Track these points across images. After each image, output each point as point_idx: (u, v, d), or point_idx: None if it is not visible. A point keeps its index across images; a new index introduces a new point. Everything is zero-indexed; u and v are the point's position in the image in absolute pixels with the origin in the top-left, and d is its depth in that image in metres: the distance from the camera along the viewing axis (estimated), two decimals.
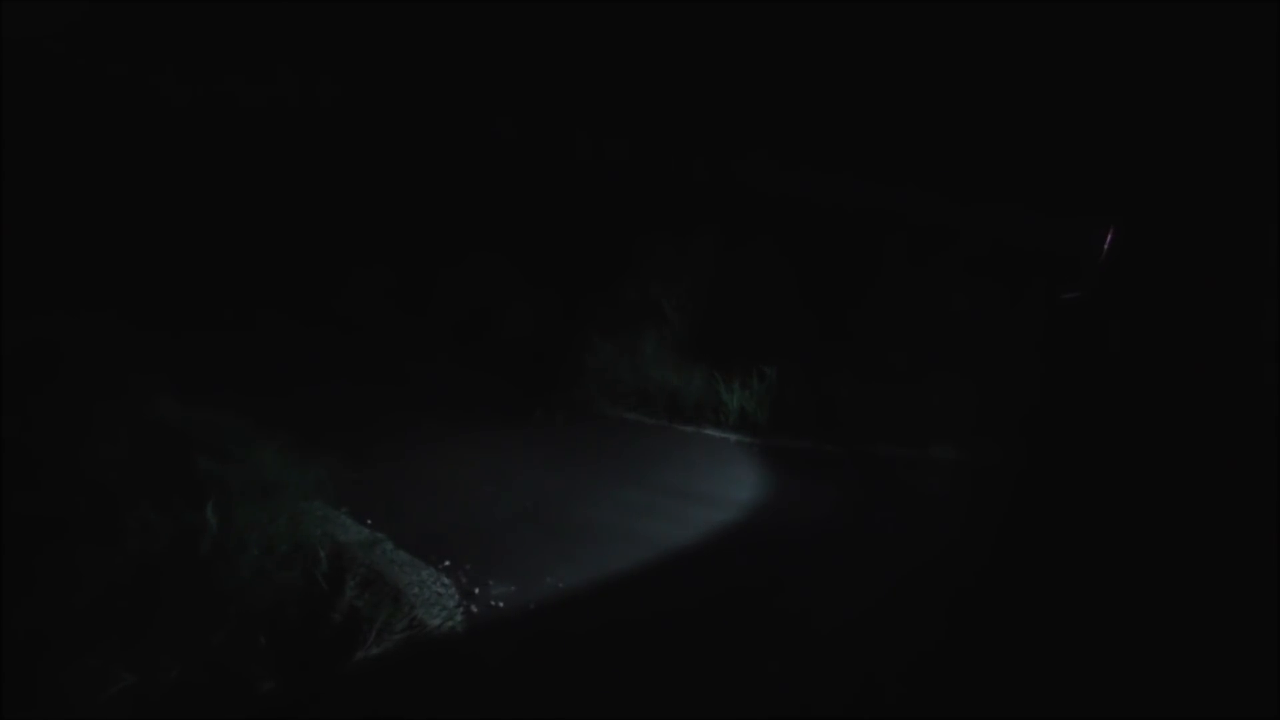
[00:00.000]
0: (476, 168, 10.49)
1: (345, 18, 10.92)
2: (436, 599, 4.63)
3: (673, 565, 5.32)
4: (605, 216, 9.90)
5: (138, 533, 4.24)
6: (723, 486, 6.65)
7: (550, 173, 10.48)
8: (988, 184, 9.67)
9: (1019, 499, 6.12)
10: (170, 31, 10.28)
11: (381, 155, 10.43)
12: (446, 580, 4.82)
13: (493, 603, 4.66)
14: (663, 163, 10.66)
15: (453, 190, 10.25)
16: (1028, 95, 9.46)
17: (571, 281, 9.24)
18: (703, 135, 10.64)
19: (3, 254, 6.83)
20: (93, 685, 3.52)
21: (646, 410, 8.18)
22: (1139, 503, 5.49)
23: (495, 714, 3.83)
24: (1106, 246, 8.58)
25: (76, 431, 4.89)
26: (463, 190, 10.25)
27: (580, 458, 6.98)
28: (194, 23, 10.44)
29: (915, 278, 9.13)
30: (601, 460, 6.99)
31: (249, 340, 8.31)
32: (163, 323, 7.50)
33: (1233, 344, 6.48)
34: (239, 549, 4.35)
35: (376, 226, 9.80)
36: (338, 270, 9.33)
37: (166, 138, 9.67)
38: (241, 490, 4.75)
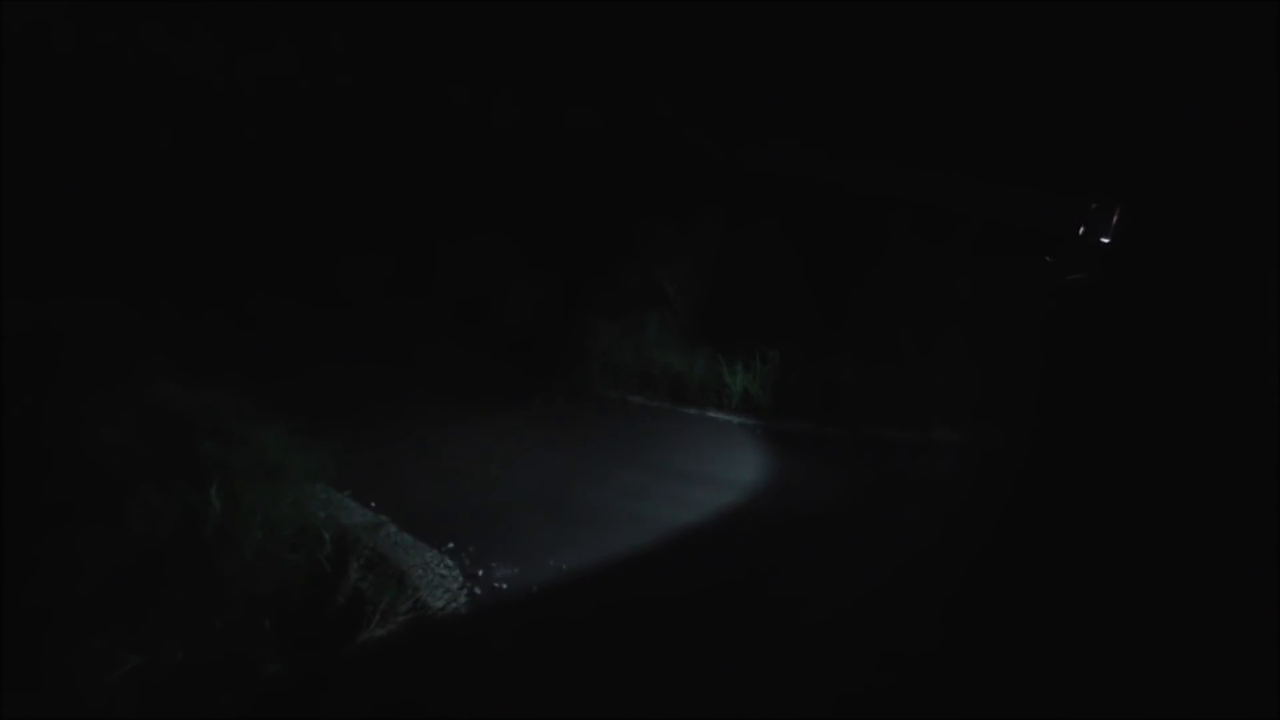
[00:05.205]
0: (478, 149, 10.44)
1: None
2: (440, 581, 4.65)
3: (675, 548, 5.33)
4: (608, 198, 9.86)
5: (142, 516, 4.24)
6: (726, 469, 6.66)
7: (553, 155, 10.42)
8: (992, 165, 9.61)
9: (1022, 483, 6.11)
10: (168, 17, 10.20)
11: (383, 137, 10.37)
12: (450, 562, 4.84)
13: (496, 585, 4.68)
14: (666, 145, 10.60)
15: (454, 172, 10.20)
16: (1033, 76, 9.38)
17: (574, 264, 9.20)
18: (706, 117, 10.58)
19: (3, 239, 6.81)
20: (98, 668, 3.54)
21: (649, 393, 8.17)
22: (1142, 488, 5.48)
23: (499, 695, 3.85)
24: (1112, 228, 8.53)
25: (80, 415, 4.88)
26: (465, 172, 10.20)
27: (583, 440, 6.98)
28: (190, 6, 10.37)
29: (919, 260, 9.09)
30: (604, 443, 7.00)
31: (251, 323, 8.30)
32: (165, 306, 7.48)
33: (1236, 325, 6.45)
34: (243, 532, 4.35)
35: (378, 209, 9.76)
36: (339, 253, 9.29)
37: (165, 122, 9.61)
38: (245, 473, 4.73)
